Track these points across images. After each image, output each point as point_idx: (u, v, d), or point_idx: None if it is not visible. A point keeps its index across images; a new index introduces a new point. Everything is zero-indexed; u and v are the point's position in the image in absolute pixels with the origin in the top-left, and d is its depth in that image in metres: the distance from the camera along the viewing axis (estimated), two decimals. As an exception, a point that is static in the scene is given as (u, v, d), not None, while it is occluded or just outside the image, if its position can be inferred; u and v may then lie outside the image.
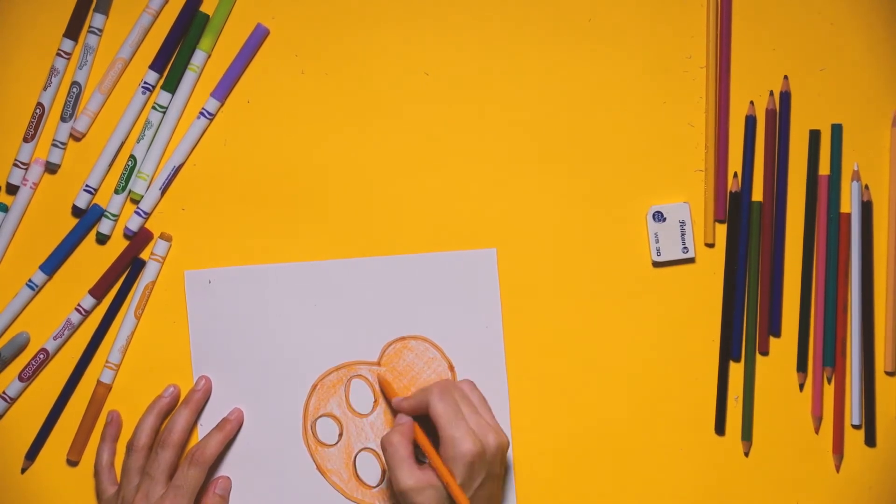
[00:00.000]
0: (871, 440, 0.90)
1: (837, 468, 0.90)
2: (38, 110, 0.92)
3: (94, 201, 0.92)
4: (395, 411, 0.88)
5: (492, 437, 0.84)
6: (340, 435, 0.92)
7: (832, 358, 0.89)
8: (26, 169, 0.92)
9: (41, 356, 0.92)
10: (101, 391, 0.92)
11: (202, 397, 0.91)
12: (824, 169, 0.90)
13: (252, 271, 0.91)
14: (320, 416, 0.92)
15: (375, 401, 0.92)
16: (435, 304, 0.91)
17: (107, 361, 0.92)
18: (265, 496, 0.91)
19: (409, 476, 0.82)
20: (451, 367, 0.91)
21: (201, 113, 0.92)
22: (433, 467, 0.83)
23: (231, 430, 0.90)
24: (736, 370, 0.90)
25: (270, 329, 0.91)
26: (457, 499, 0.81)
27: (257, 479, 0.91)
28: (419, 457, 0.86)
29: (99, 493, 0.91)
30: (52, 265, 0.92)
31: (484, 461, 0.83)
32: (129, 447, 0.89)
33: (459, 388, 0.88)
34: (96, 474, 0.91)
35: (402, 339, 0.91)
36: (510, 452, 0.90)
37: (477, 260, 0.91)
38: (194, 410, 0.90)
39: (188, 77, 0.92)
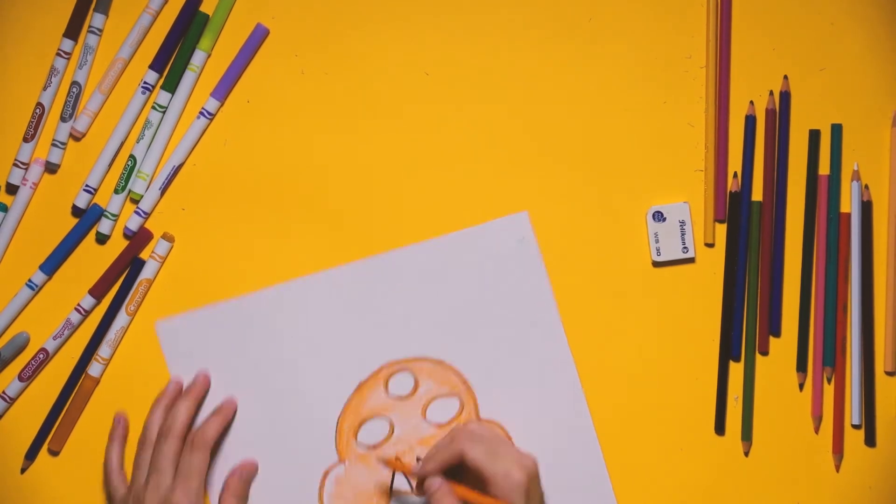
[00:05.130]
0: (871, 440, 0.90)
1: (837, 468, 0.90)
2: (38, 110, 0.92)
3: (94, 201, 0.92)
4: (421, 481, 0.85)
5: (528, 460, 0.83)
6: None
7: (832, 358, 0.89)
8: (26, 169, 0.92)
9: (41, 356, 0.92)
10: (89, 384, 0.91)
11: (201, 388, 0.91)
12: (824, 169, 0.90)
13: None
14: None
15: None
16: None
17: (96, 355, 0.92)
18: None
19: None
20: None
21: (201, 113, 0.92)
22: None
23: (228, 413, 0.90)
24: (736, 370, 0.90)
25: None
26: None
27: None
28: None
29: (110, 495, 0.89)
30: (51, 265, 0.92)
31: (535, 484, 0.82)
32: (141, 443, 0.89)
33: (478, 427, 0.86)
34: (106, 476, 0.90)
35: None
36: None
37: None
38: (195, 400, 0.90)
39: (188, 77, 0.92)
